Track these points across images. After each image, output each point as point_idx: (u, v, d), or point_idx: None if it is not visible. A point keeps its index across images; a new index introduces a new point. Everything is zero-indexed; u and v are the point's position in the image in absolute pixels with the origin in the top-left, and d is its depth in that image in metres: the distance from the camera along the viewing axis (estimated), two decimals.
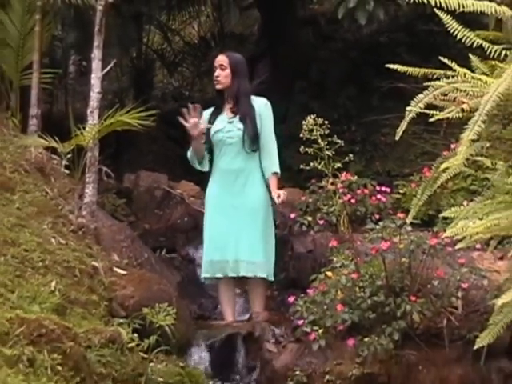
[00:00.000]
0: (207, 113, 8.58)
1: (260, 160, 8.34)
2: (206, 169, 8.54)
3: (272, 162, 8.28)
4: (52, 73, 9.65)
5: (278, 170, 8.26)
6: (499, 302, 6.12)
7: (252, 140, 8.30)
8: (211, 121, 8.48)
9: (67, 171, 7.93)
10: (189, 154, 8.57)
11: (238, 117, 8.40)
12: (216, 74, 8.47)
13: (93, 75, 7.92)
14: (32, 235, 6.79)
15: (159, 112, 9.19)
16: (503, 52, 6.25)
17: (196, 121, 8.26)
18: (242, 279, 8.45)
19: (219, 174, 8.46)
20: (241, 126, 8.36)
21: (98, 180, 7.86)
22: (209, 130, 8.41)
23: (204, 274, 8.42)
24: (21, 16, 8.71)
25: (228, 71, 8.44)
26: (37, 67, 8.70)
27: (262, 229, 8.32)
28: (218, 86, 8.51)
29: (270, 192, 8.24)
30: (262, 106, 8.41)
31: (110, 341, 6.31)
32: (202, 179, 9.49)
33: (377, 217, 7.61)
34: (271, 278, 8.31)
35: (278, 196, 8.07)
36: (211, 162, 8.53)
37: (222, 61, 8.50)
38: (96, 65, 7.94)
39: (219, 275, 8.33)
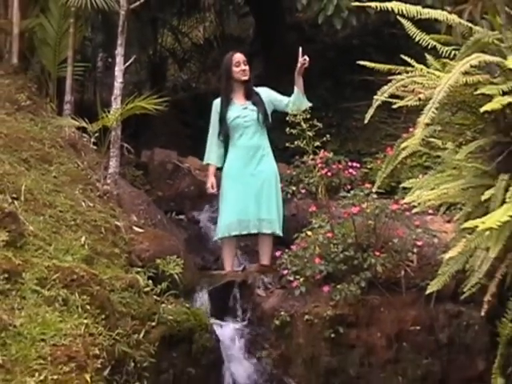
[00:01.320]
0: (217, 102, 8.60)
1: (286, 103, 8.45)
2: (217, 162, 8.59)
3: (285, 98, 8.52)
4: (83, 67, 9.63)
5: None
6: (446, 256, 6.16)
7: (264, 117, 8.41)
8: (224, 109, 8.49)
9: (95, 147, 7.96)
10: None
11: (249, 102, 8.48)
12: (244, 67, 8.49)
13: (116, 68, 7.95)
14: (66, 199, 6.84)
15: (171, 100, 9.17)
16: (453, 52, 6.28)
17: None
18: (245, 237, 8.48)
19: (239, 150, 8.45)
20: (254, 108, 8.44)
21: (120, 155, 7.86)
22: (225, 118, 8.46)
23: (221, 235, 8.39)
24: (58, 20, 8.68)
25: (248, 66, 8.53)
26: (70, 62, 8.70)
27: (276, 193, 8.36)
28: (245, 78, 8.52)
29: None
30: (264, 89, 8.57)
31: (130, 286, 6.38)
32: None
33: (348, 187, 7.58)
34: (281, 234, 8.33)
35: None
36: (226, 146, 8.54)
37: (244, 58, 8.57)
38: (119, 60, 7.97)
39: (236, 233, 8.32)
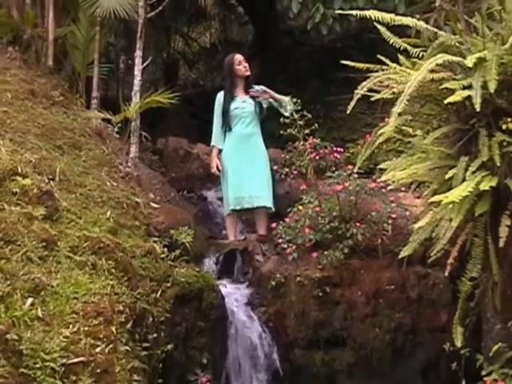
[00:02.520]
0: (220, 95, 8.57)
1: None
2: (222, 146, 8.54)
3: None
4: (107, 67, 9.60)
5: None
6: (416, 226, 6.23)
7: (260, 109, 8.43)
8: (226, 101, 8.47)
9: (118, 135, 7.96)
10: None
11: (248, 97, 8.48)
12: (245, 64, 8.49)
13: (136, 68, 7.95)
14: (93, 179, 6.86)
15: (182, 95, 9.14)
16: (421, 53, 6.27)
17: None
18: (245, 211, 8.45)
19: (236, 137, 8.44)
20: (252, 102, 8.44)
21: (139, 142, 7.84)
22: (228, 109, 8.44)
23: (231, 207, 8.37)
24: (86, 28, 8.67)
25: (247, 65, 8.52)
26: (97, 63, 8.69)
27: (267, 174, 8.36)
28: (248, 73, 8.53)
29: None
30: (262, 87, 8.51)
31: (148, 252, 6.41)
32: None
33: (334, 168, 7.48)
34: (273, 208, 8.30)
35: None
36: (225, 134, 8.49)
37: (243, 57, 8.57)
38: (138, 61, 7.97)
39: (238, 207, 8.32)
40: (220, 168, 8.42)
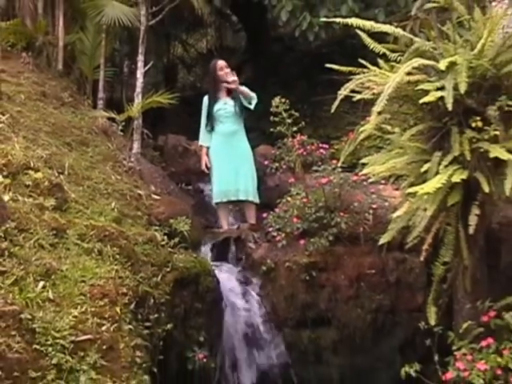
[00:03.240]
0: (206, 99, 8.55)
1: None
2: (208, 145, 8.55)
3: None
4: (112, 71, 9.63)
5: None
6: (394, 215, 6.25)
7: (241, 109, 8.39)
8: (210, 103, 8.44)
9: (121, 133, 7.97)
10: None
11: (229, 98, 8.44)
12: (227, 71, 8.43)
13: (138, 72, 7.99)
14: (99, 173, 6.87)
15: (180, 96, 9.18)
16: (398, 57, 6.30)
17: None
18: (235, 202, 8.44)
19: (221, 135, 8.42)
20: (232, 103, 8.41)
21: (141, 139, 7.87)
22: (212, 110, 8.41)
23: (215, 200, 8.39)
24: (93, 35, 8.66)
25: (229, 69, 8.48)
26: (102, 67, 8.68)
27: (251, 168, 8.35)
28: (229, 79, 8.42)
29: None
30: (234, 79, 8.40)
31: (149, 240, 6.41)
32: None
33: (319, 163, 7.54)
34: (257, 201, 8.30)
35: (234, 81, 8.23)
36: (211, 133, 8.47)
37: (225, 63, 8.51)
38: (140, 65, 8.00)
39: (224, 200, 8.32)
40: (208, 165, 8.44)
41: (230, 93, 8.46)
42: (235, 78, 8.29)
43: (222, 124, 8.44)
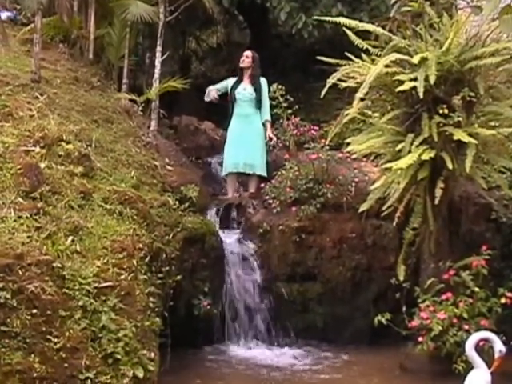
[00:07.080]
0: (231, 80, 8.45)
1: (260, 111, 8.22)
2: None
3: (266, 113, 8.19)
4: (135, 61, 9.60)
5: (270, 119, 8.17)
6: (372, 187, 6.35)
7: (258, 101, 8.21)
8: (234, 86, 8.34)
9: (141, 113, 7.95)
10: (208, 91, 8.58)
11: (250, 86, 8.28)
12: (243, 59, 8.32)
13: (156, 61, 7.94)
14: (122, 146, 6.82)
15: (193, 84, 9.15)
16: (379, 52, 6.35)
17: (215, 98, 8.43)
18: (242, 174, 8.25)
19: (238, 116, 8.27)
20: (252, 90, 8.27)
21: (158, 118, 7.78)
22: (233, 92, 8.30)
23: (224, 173, 8.29)
24: (119, 30, 8.57)
25: (250, 59, 8.34)
26: (127, 57, 8.56)
27: (261, 145, 8.16)
28: (242, 65, 8.32)
29: (265, 129, 8.18)
30: (263, 82, 8.29)
31: (163, 204, 6.44)
32: (216, 121, 9.53)
33: (311, 142, 7.54)
34: (265, 175, 8.08)
35: (271, 139, 8.02)
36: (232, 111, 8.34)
37: (248, 54, 8.39)
38: (158, 55, 7.91)
39: (234, 171, 8.18)
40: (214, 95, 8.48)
41: (253, 80, 8.32)
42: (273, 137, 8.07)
43: (239, 107, 8.30)
